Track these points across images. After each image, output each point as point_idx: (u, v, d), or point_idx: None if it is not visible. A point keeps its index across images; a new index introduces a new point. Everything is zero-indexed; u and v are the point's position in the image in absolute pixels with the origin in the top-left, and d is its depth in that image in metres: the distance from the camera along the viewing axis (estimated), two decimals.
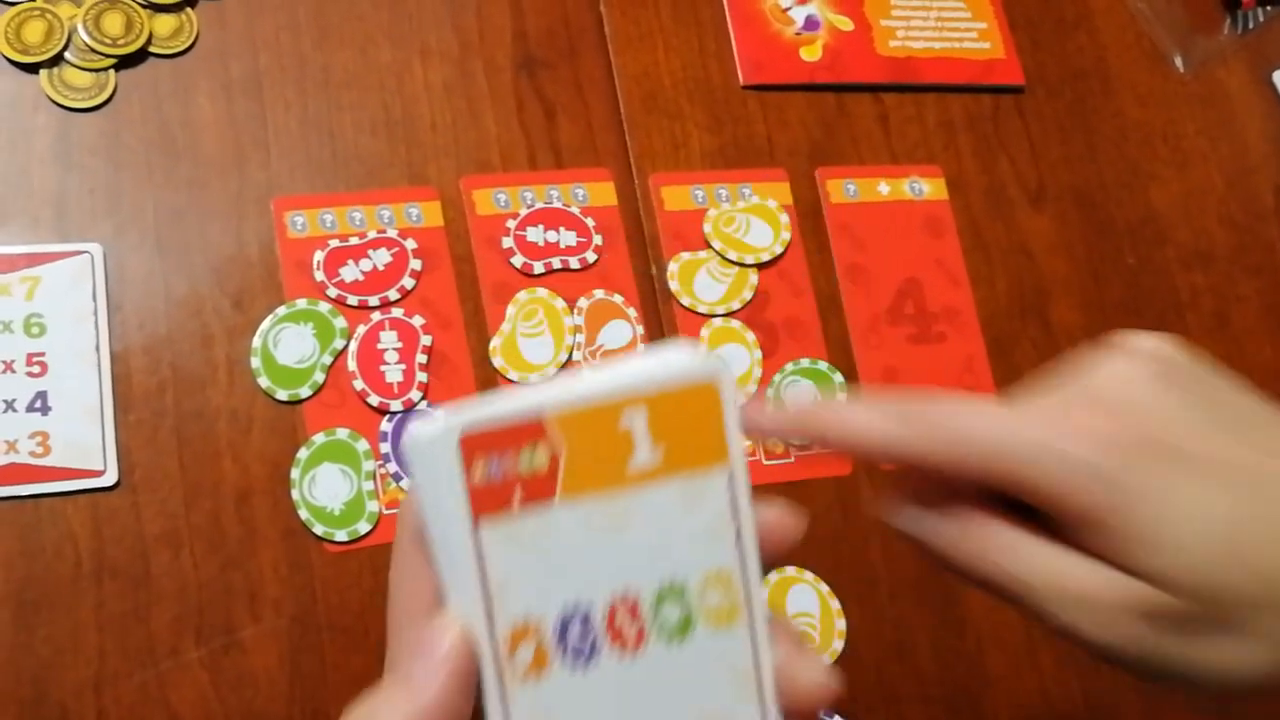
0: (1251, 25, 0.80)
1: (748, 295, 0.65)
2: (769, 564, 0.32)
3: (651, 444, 0.30)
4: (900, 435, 0.33)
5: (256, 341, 0.57)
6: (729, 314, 0.65)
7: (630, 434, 0.30)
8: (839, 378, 0.65)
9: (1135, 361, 0.34)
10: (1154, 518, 0.31)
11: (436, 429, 0.29)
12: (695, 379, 0.30)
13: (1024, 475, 0.32)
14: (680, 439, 0.30)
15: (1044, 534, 0.33)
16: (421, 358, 0.59)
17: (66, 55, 0.59)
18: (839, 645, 0.61)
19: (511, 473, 0.29)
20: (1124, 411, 0.32)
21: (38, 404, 0.53)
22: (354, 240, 0.60)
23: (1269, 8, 0.80)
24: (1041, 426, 0.32)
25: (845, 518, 0.63)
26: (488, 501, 0.29)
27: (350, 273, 0.59)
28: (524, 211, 0.63)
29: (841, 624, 0.61)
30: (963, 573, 0.34)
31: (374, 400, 0.57)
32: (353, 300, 0.59)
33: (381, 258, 0.60)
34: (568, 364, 0.61)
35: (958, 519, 0.34)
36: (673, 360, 0.31)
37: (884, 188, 0.70)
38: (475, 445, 0.29)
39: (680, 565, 0.31)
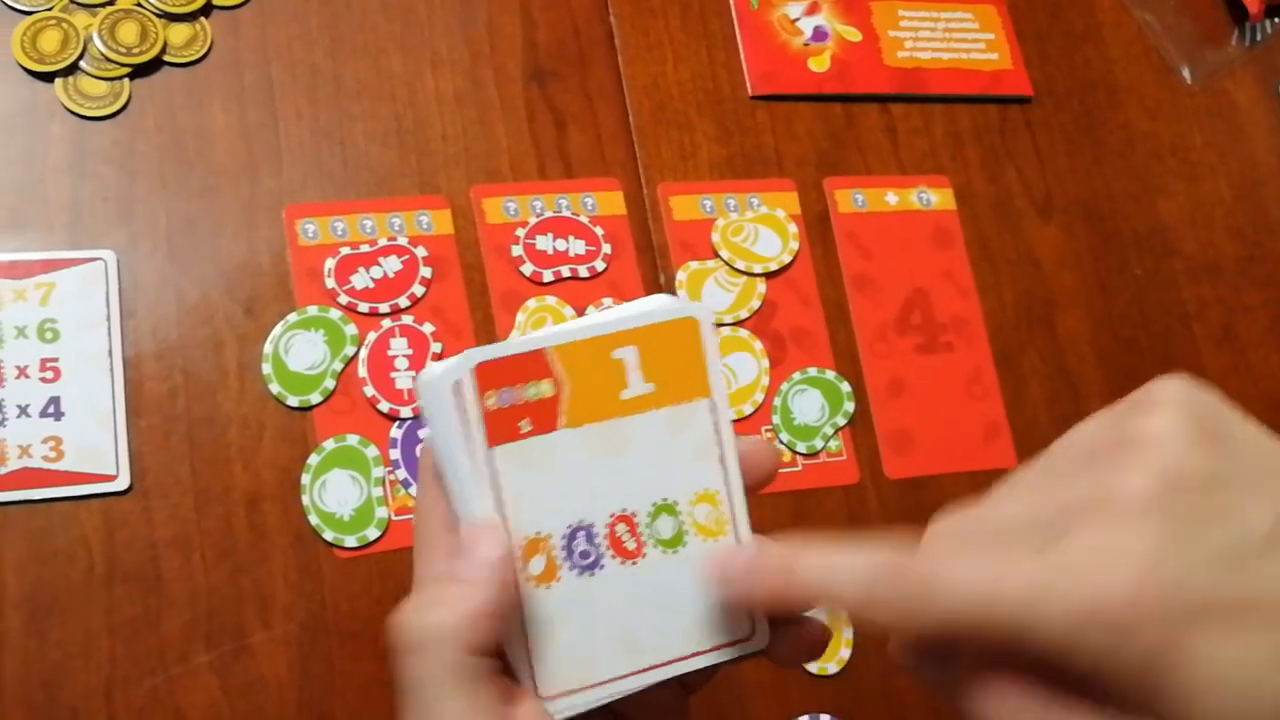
0: (1259, 37, 0.80)
1: (755, 304, 0.65)
2: (750, 488, 0.36)
3: (642, 375, 0.34)
4: (877, 598, 0.29)
5: (268, 348, 0.58)
6: (736, 323, 0.65)
7: (623, 365, 0.34)
8: (846, 387, 0.65)
9: (1148, 458, 0.27)
10: (1185, 685, 0.25)
11: (454, 360, 0.32)
12: (677, 314, 0.34)
13: (1027, 642, 0.27)
14: (667, 371, 0.34)
15: (1062, 693, 0.27)
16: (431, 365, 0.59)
17: (82, 64, 0.59)
18: (846, 654, 0.61)
19: (520, 400, 0.33)
20: (1136, 555, 0.26)
21: (51, 409, 0.54)
22: (365, 248, 0.60)
23: (1277, 20, 0.80)
24: (1033, 582, 0.27)
25: (852, 526, 0.63)
26: (500, 426, 0.33)
27: (361, 280, 0.60)
28: (533, 220, 0.63)
29: (848, 633, 0.61)
30: None
31: (384, 407, 0.58)
32: (363, 307, 0.59)
33: (392, 265, 0.60)
34: None
35: (972, 677, 0.29)
36: (657, 301, 0.35)
37: (892, 198, 0.70)
38: (488, 374, 0.32)
39: (672, 485, 0.35)
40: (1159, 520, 0.26)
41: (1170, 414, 0.28)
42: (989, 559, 0.28)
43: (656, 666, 0.34)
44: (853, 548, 0.30)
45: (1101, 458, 0.28)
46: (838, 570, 0.30)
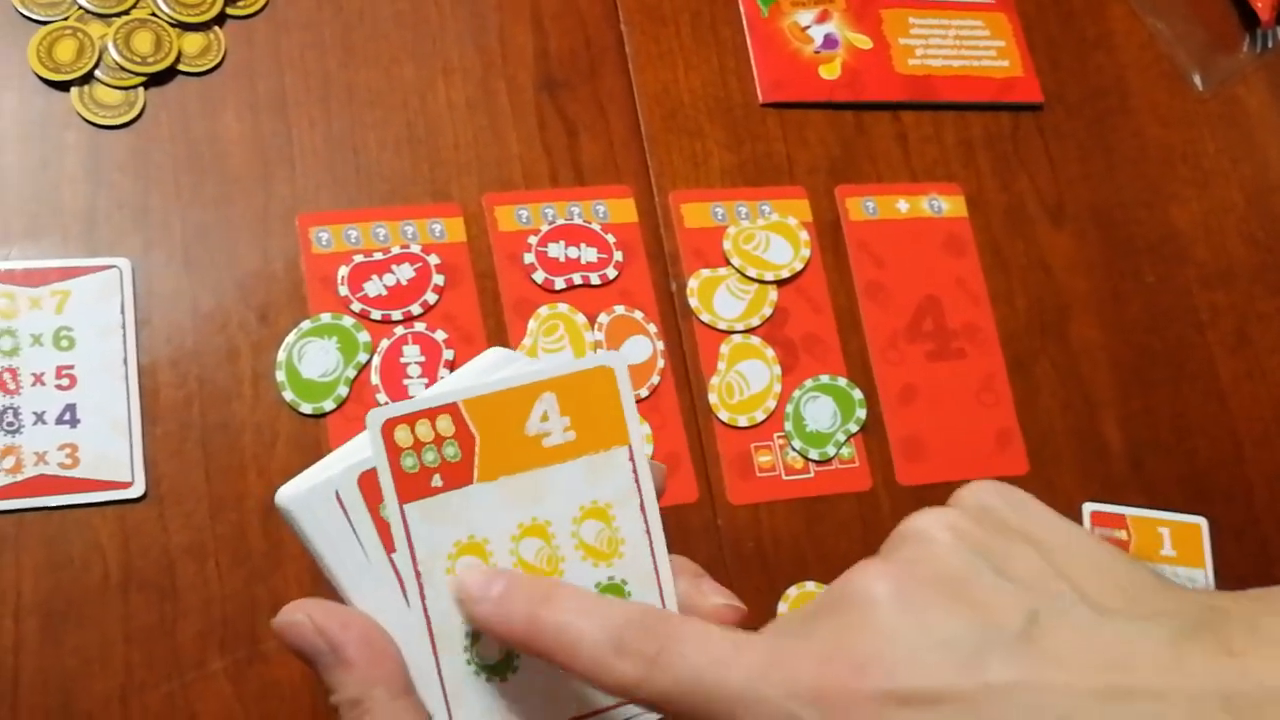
0: (1270, 44, 0.80)
1: (767, 312, 0.65)
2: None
3: (559, 425, 0.34)
4: (613, 665, 0.29)
5: (281, 355, 0.58)
6: (748, 330, 0.65)
7: (538, 415, 0.33)
8: (858, 394, 0.65)
9: (905, 552, 0.29)
10: None
11: (368, 418, 0.32)
12: (593, 365, 0.34)
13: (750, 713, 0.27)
14: (584, 421, 0.34)
15: None
16: (444, 372, 0.59)
17: (97, 73, 0.60)
18: None
19: (433, 455, 0.32)
20: (864, 640, 0.27)
21: (66, 416, 0.54)
22: (378, 255, 0.60)
23: None
24: (753, 669, 0.28)
25: (865, 533, 0.63)
26: (411, 482, 0.32)
27: (374, 287, 0.60)
28: (545, 228, 0.63)
29: None
30: None
31: None
32: (376, 315, 0.59)
33: (405, 273, 0.60)
34: None
35: None
36: (571, 357, 0.33)
37: (903, 205, 0.70)
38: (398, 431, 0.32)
39: None
40: (896, 611, 0.28)
41: (940, 512, 0.30)
42: (729, 646, 0.29)
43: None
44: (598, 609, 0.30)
45: (881, 551, 0.30)
46: (581, 629, 0.30)
